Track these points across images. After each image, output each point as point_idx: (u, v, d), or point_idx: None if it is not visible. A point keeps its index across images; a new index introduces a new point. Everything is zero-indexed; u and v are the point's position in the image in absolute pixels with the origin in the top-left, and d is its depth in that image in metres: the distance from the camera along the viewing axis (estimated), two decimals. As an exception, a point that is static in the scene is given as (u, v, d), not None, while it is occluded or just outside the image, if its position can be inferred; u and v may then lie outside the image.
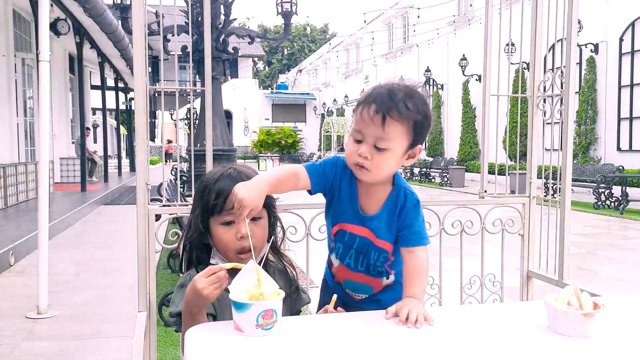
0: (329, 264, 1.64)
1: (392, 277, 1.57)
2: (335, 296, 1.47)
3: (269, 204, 1.47)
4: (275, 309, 1.19)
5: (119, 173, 17.44)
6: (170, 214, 2.00)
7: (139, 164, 1.88)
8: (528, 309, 1.44)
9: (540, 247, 2.35)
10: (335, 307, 1.46)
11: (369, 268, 1.55)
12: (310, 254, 2.23)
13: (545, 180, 2.41)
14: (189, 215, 1.60)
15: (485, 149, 2.34)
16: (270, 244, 1.46)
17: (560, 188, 2.22)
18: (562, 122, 2.19)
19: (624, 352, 1.16)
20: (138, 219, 1.85)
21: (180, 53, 4.49)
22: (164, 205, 2.01)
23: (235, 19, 5.47)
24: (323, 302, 1.65)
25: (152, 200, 1.94)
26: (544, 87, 2.29)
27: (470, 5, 20.59)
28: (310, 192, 1.52)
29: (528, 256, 2.37)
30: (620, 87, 13.66)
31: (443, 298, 2.34)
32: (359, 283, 1.57)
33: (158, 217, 2.09)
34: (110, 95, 16.34)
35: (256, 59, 42.25)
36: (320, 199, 1.70)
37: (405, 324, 1.26)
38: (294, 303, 1.54)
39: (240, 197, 1.27)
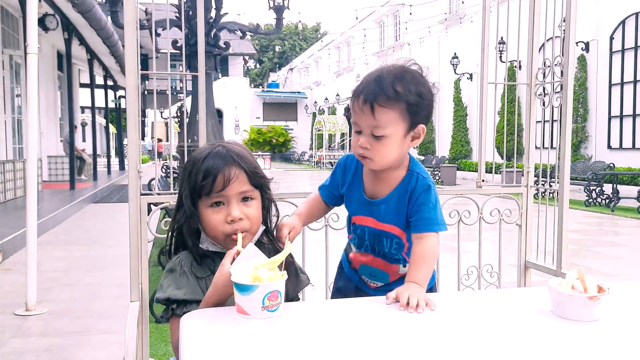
0: (347, 249, 1.65)
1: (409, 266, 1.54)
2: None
3: (262, 185, 1.39)
4: (280, 290, 1.18)
5: (109, 172, 17.27)
6: (162, 203, 1.95)
7: (130, 151, 1.82)
8: (529, 295, 1.42)
9: (538, 237, 2.33)
10: None
11: (386, 256, 1.55)
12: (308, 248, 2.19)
13: (541, 179, 2.38)
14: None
15: (483, 138, 2.30)
16: (264, 227, 1.42)
17: (557, 179, 2.20)
18: (559, 107, 2.17)
19: (629, 335, 1.13)
20: (130, 208, 1.80)
21: (172, 49, 4.44)
22: (157, 194, 1.96)
23: (227, 13, 5.41)
24: (337, 288, 1.66)
25: (143, 195, 1.89)
26: (543, 75, 2.26)
27: (462, 3, 20.62)
28: (335, 205, 1.65)
29: (526, 246, 2.34)
30: (610, 86, 13.73)
31: (440, 288, 2.31)
32: (376, 269, 1.57)
33: (149, 209, 2.05)
34: (99, 93, 16.18)
35: (247, 57, 42.11)
36: (314, 188, 1.70)
37: (406, 309, 1.23)
38: (294, 286, 1.47)
39: (281, 224, 1.46)
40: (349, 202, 1.58)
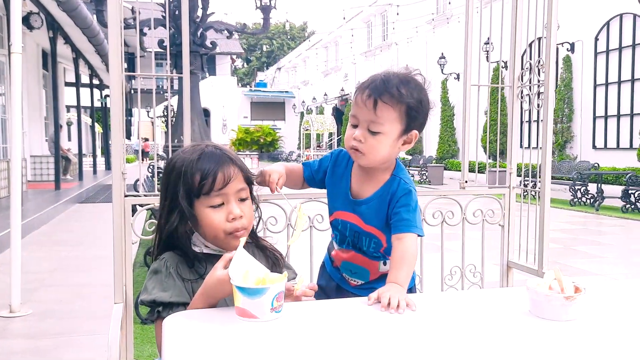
0: (330, 248, 1.70)
1: (389, 264, 1.56)
2: (301, 277, 1.46)
3: (252, 184, 1.43)
4: (283, 290, 1.20)
5: (94, 171, 17.12)
6: (147, 204, 1.95)
7: (114, 152, 1.82)
8: (509, 295, 1.44)
9: (520, 237, 2.36)
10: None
11: (365, 253, 1.59)
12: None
13: (524, 179, 2.42)
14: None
15: (466, 139, 2.33)
16: (251, 226, 1.43)
17: (539, 179, 2.23)
18: (541, 109, 2.20)
19: (604, 335, 1.16)
20: (114, 209, 1.79)
21: (158, 49, 4.42)
22: (143, 196, 1.96)
23: (213, 13, 5.41)
24: (319, 286, 1.67)
25: (127, 196, 1.89)
26: (529, 78, 2.29)
27: (449, 3, 20.74)
28: (310, 185, 1.68)
29: (508, 246, 2.37)
30: (595, 86, 13.90)
31: (424, 288, 2.33)
32: (357, 265, 1.61)
33: (134, 210, 2.04)
34: (84, 92, 16.02)
35: (234, 57, 41.96)
36: (303, 190, 1.73)
37: (387, 310, 1.25)
38: None
39: (269, 169, 1.51)
40: (334, 197, 1.62)
